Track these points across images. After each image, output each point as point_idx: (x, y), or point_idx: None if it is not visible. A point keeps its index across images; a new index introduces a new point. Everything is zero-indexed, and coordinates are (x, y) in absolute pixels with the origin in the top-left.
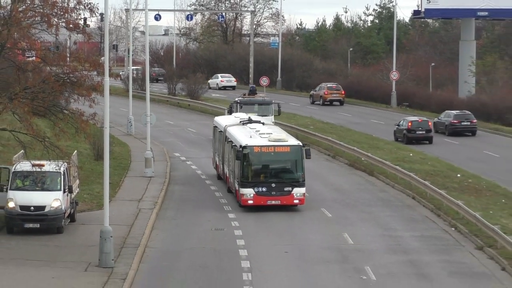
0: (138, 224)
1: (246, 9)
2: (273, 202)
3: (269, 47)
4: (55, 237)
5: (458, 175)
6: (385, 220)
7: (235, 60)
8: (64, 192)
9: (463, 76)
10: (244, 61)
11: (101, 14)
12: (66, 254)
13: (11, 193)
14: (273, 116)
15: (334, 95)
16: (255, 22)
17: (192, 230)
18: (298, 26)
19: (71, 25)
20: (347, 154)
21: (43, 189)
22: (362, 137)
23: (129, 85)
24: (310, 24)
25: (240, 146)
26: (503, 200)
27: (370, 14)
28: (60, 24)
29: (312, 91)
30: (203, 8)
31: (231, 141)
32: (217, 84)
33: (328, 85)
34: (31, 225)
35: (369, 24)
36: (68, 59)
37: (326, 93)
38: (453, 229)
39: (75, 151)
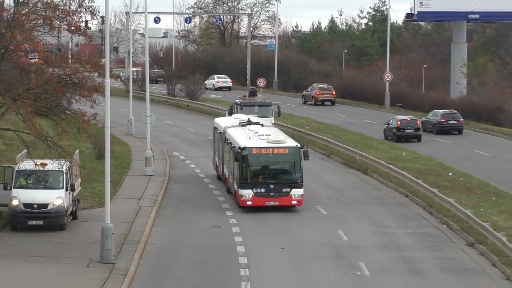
0: (139, 222)
1: (243, 12)
2: (272, 203)
3: (266, 49)
4: (58, 234)
5: (450, 174)
6: (378, 217)
7: (232, 61)
8: (67, 190)
9: (454, 78)
10: (242, 62)
11: (102, 17)
12: (68, 250)
13: (15, 191)
14: (273, 117)
15: (326, 95)
16: (252, 25)
17: (191, 228)
18: (294, 28)
19: (72, 28)
20: (342, 153)
21: (46, 188)
22: (357, 136)
23: (129, 86)
24: (305, 26)
25: (239, 147)
26: (494, 198)
27: (364, 17)
28: (62, 26)
29: (304, 92)
30: (201, 11)
31: (230, 143)
32: (213, 85)
33: (320, 86)
34: (34, 222)
35: (363, 27)
36: (70, 60)
37: (317, 93)
38: (445, 226)
39: (77, 150)
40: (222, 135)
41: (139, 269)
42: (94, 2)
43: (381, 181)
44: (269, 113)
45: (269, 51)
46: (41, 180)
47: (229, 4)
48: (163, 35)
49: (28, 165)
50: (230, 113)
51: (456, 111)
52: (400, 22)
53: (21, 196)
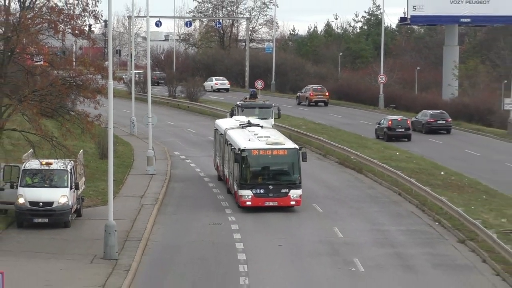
0: (141, 219)
1: (242, 16)
2: (271, 204)
3: (264, 52)
4: (63, 231)
5: (442, 173)
6: (373, 215)
7: (231, 64)
8: (71, 188)
9: (446, 80)
10: (240, 65)
11: (105, 21)
12: (73, 247)
13: (21, 190)
14: (273, 119)
15: (319, 96)
16: (251, 29)
17: (191, 225)
18: (291, 32)
19: (76, 31)
20: (337, 153)
21: (51, 186)
22: (352, 137)
23: (131, 88)
24: (302, 30)
25: (239, 149)
26: (484, 197)
27: (359, 21)
28: (67, 30)
29: (298, 93)
30: (201, 15)
31: (230, 144)
32: (211, 86)
33: (313, 87)
34: (40, 220)
35: (358, 30)
36: (74, 63)
37: (311, 94)
38: (437, 223)
39: (81, 150)
40: (222, 137)
41: (141, 265)
42: (97, 7)
43: (375, 180)
44: (270, 115)
45: (267, 54)
46: (46, 179)
47: (228, 8)
48: (164, 39)
49: (34, 164)
50: (231, 115)
51: (444, 112)
52: (394, 26)
53: (27, 195)
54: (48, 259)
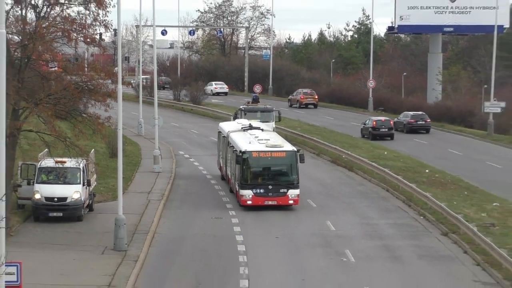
0: (148, 213)
1: (241, 25)
2: (270, 203)
3: (262, 59)
4: (76, 224)
5: (427, 171)
6: (363, 210)
7: (232, 70)
8: (83, 185)
9: (431, 84)
10: (240, 71)
11: (115, 30)
12: (85, 239)
13: (37, 186)
14: (274, 122)
15: (309, 99)
16: (249, 37)
17: (194, 219)
18: (287, 40)
19: (88, 40)
20: (330, 152)
21: (65, 183)
22: (343, 137)
23: (139, 92)
24: (297, 38)
25: (240, 151)
26: (466, 193)
27: (350, 30)
28: (79, 38)
29: (290, 96)
30: (204, 24)
31: (232, 146)
32: (211, 90)
33: (304, 91)
34: (54, 214)
35: (349, 39)
36: (86, 69)
37: (302, 97)
38: (422, 217)
39: (93, 149)
40: (225, 139)
41: (148, 255)
42: (107, 17)
43: (365, 177)
44: (271, 118)
45: (265, 61)
46: (60, 176)
47: (229, 18)
48: (169, 46)
49: (49, 163)
50: (235, 118)
51: (424, 113)
52: (382, 35)
53: (43, 191)
54: (62, 250)
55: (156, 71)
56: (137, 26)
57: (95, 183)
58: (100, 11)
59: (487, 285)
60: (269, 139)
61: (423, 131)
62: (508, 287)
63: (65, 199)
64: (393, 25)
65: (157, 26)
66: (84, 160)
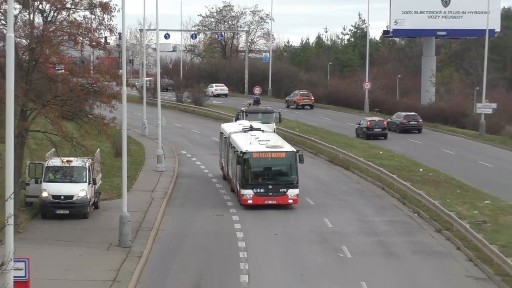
0: (151, 211)
1: (241, 29)
2: (270, 202)
3: (261, 61)
4: (82, 221)
5: (421, 170)
6: (359, 207)
7: (232, 72)
8: (89, 183)
9: (425, 86)
10: (240, 73)
11: (119, 34)
12: (91, 235)
13: (45, 185)
14: (274, 123)
15: (305, 100)
16: (249, 40)
17: (196, 216)
18: (286, 43)
19: (94, 43)
20: (327, 152)
21: (71, 181)
22: (340, 137)
23: (143, 94)
24: (296, 42)
25: (241, 152)
26: (458, 191)
27: (347, 34)
28: (85, 42)
29: (287, 97)
30: (205, 28)
31: (233, 147)
32: (212, 92)
33: (300, 92)
34: (61, 212)
35: (345, 42)
36: (91, 71)
37: (298, 99)
38: (416, 215)
39: (98, 149)
40: (227, 140)
41: (152, 252)
42: (112, 21)
43: (361, 176)
44: (271, 120)
45: (264, 63)
46: (67, 175)
47: (230, 22)
48: (172, 49)
49: (56, 162)
50: (237, 119)
51: (416, 114)
52: (377, 38)
53: (50, 189)
54: (69, 246)
55: (159, 73)
56: (141, 30)
57: (101, 181)
58: (105, 16)
59: (479, 280)
60: (269, 140)
61: (415, 131)
62: (499, 282)
63: (71, 197)
64: (388, 29)
65: (160, 30)
66: (90, 160)
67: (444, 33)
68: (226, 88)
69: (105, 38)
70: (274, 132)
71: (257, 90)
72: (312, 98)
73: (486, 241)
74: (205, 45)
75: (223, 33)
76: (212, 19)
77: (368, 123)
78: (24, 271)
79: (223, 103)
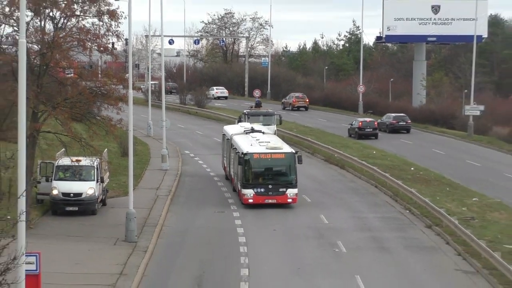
0: (156, 208)
1: (242, 35)
2: (270, 201)
3: (261, 66)
4: (90, 218)
5: (412, 169)
6: (353, 204)
7: (233, 76)
8: (97, 182)
9: (416, 89)
10: (241, 77)
11: (126, 40)
12: (99, 231)
13: (55, 183)
14: (275, 125)
15: (300, 102)
16: (249, 46)
17: (199, 213)
18: (284, 49)
19: (102, 48)
20: (323, 151)
21: (80, 180)
22: (335, 138)
23: (148, 96)
24: (293, 47)
25: (242, 153)
26: (448, 189)
27: (342, 39)
28: (93, 47)
29: (283, 99)
30: (207, 34)
31: (235, 148)
32: (212, 94)
33: (296, 95)
34: (71, 208)
35: (340, 47)
36: (99, 75)
37: (294, 100)
38: (407, 211)
39: (106, 149)
40: (229, 141)
41: (157, 246)
42: (119, 27)
43: (355, 175)
44: (272, 122)
45: (263, 68)
46: (76, 173)
47: (231, 29)
48: (176, 54)
49: (65, 161)
50: (239, 121)
51: (405, 115)
52: (371, 44)
53: (60, 187)
54: (78, 241)
55: (163, 77)
56: (146, 36)
57: (108, 180)
58: (113, 23)
59: (468, 274)
60: (269, 142)
61: (404, 131)
62: (487, 275)
63: (80, 194)
64: (381, 35)
65: (165, 36)
66: (98, 159)
67: (434, 39)
68: (226, 91)
69: (113, 43)
70: (275, 134)
71: (257, 93)
72: (307, 100)
73: (474, 236)
74: (207, 50)
75: (224, 39)
76: (214, 26)
77: (360, 123)
78: (35, 265)
79: (225, 105)
